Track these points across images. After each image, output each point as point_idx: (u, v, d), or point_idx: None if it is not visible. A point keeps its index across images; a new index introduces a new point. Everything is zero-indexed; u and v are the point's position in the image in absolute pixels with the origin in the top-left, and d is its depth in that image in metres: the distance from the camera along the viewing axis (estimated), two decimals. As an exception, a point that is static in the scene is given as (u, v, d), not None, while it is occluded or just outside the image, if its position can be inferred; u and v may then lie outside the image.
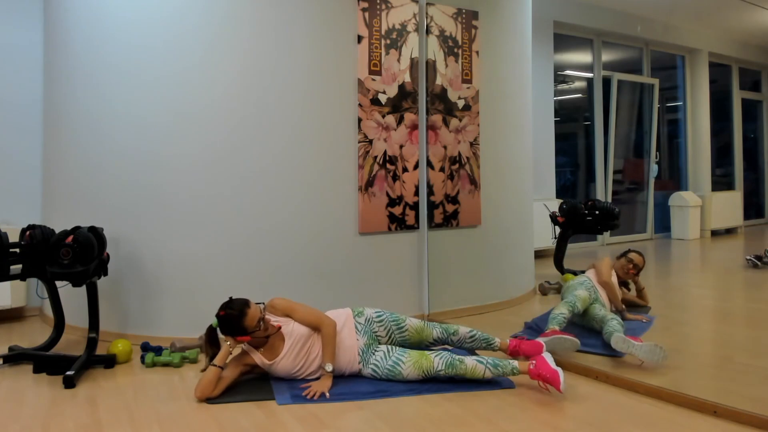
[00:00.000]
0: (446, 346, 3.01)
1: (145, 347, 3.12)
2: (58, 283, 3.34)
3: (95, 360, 2.95)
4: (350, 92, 3.62)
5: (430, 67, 3.87)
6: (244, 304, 2.55)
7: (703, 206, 4.96)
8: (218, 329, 2.60)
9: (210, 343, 2.64)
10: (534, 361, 2.56)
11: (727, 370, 2.80)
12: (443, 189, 3.92)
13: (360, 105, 3.63)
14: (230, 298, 2.60)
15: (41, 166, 4.17)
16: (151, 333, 3.37)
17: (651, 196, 4.95)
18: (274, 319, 2.66)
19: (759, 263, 4.33)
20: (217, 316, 2.55)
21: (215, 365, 2.52)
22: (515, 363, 2.60)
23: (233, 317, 2.52)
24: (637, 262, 3.64)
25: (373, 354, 2.71)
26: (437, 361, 2.61)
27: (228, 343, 2.57)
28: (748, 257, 4.45)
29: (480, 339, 2.88)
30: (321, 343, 2.66)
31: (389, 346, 2.74)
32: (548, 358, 2.57)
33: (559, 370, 2.48)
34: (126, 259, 3.40)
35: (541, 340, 2.85)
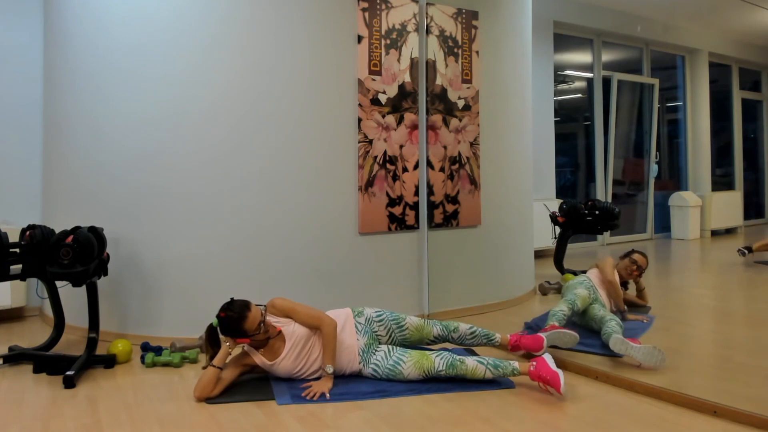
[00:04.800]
0: (447, 345, 3.01)
1: (145, 347, 3.12)
2: (58, 283, 3.34)
3: (95, 360, 2.94)
4: (350, 92, 3.62)
5: (430, 67, 3.87)
6: (245, 306, 2.54)
7: (703, 206, 4.96)
8: (218, 328, 2.60)
9: (210, 342, 2.64)
10: (534, 363, 2.56)
11: (727, 370, 2.80)
12: (443, 189, 3.92)
13: (360, 105, 3.63)
14: (231, 299, 2.59)
15: (41, 166, 4.17)
16: (151, 333, 3.37)
17: (651, 196, 4.95)
18: (274, 320, 2.66)
19: (746, 252, 4.41)
20: (218, 317, 2.55)
21: (214, 366, 2.52)
22: (515, 364, 2.60)
23: (233, 319, 2.51)
24: (640, 263, 3.63)
25: (374, 354, 2.71)
26: (438, 361, 2.61)
27: (227, 344, 2.57)
28: (739, 248, 4.52)
29: (480, 335, 2.88)
30: (321, 343, 2.66)
31: (390, 346, 2.74)
32: (548, 359, 2.57)
33: (560, 371, 2.48)
34: (126, 259, 3.40)
35: (541, 334, 2.85)
